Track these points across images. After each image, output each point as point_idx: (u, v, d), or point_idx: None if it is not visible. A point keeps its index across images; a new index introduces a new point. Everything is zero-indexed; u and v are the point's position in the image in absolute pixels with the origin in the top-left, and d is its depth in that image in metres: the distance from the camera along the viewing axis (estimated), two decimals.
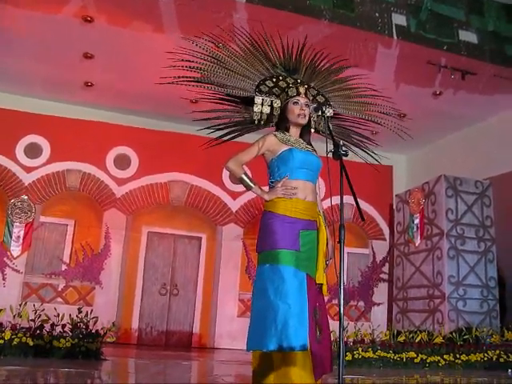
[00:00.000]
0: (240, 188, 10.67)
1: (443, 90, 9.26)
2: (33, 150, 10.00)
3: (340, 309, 2.75)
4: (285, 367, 3.05)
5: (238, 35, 3.53)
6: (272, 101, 3.59)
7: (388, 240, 11.65)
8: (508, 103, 9.66)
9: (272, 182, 3.41)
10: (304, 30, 6.98)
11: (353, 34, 7.70)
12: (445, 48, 8.10)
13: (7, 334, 5.97)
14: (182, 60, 3.48)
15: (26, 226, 9.68)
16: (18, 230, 9.63)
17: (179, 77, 3.52)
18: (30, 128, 9.96)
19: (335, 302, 10.40)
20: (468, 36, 8.20)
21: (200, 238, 10.65)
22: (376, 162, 3.97)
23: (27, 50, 8.46)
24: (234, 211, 10.77)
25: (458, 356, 7.35)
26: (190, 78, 3.53)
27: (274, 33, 3.57)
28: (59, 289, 9.63)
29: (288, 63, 3.59)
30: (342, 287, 2.74)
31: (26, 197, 9.73)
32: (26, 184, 9.85)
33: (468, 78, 8.60)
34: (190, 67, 3.50)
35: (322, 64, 3.67)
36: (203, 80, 3.55)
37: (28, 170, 9.93)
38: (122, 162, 10.42)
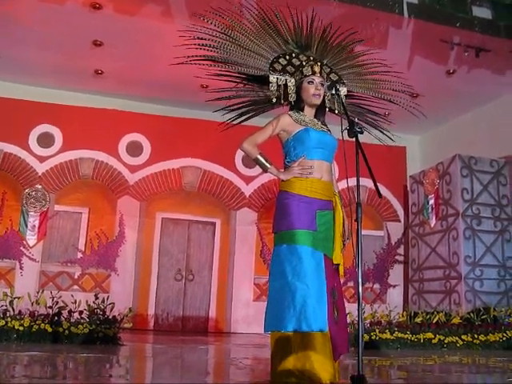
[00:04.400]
0: (253, 172, 10.66)
1: (457, 68, 9.11)
2: (45, 140, 10.03)
3: (358, 288, 2.73)
4: (304, 349, 3.03)
5: (248, 10, 3.48)
6: (286, 79, 3.54)
7: (403, 221, 11.58)
8: None
9: (288, 162, 3.38)
10: (314, 10, 6.89)
11: (363, 14, 7.58)
12: (458, 25, 7.95)
13: (26, 321, 6.04)
14: (194, 38, 3.44)
15: (40, 215, 9.73)
16: (34, 220, 9.68)
17: (192, 56, 3.47)
18: (42, 117, 9.98)
19: (350, 284, 10.40)
20: (482, 12, 8.04)
21: (214, 223, 10.65)
22: (390, 142, 3.91)
23: (37, 40, 8.44)
24: (247, 195, 10.75)
25: (476, 336, 7.32)
26: (204, 56, 3.49)
27: (282, 14, 3.52)
28: (75, 276, 9.70)
29: (299, 39, 3.54)
30: (360, 266, 2.71)
31: (40, 186, 9.77)
32: (40, 173, 9.89)
33: (482, 55, 8.45)
34: (202, 45, 3.45)
35: (333, 39, 3.61)
36: (216, 58, 3.51)
37: (41, 159, 9.96)
38: (134, 149, 10.43)
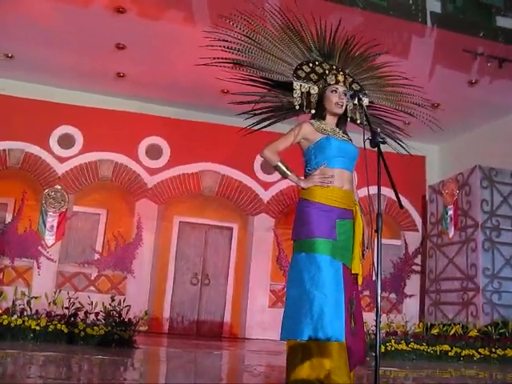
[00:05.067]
0: (271, 178, 10.66)
1: (479, 78, 9.04)
2: (66, 141, 10.12)
3: (377, 299, 2.69)
4: (320, 358, 3.01)
5: (272, 15, 3.48)
6: (310, 87, 3.53)
7: (420, 231, 11.49)
8: None
9: (309, 171, 3.37)
10: (336, 18, 6.88)
11: (386, 22, 7.56)
12: (481, 35, 7.90)
13: (43, 321, 6.09)
14: (219, 39, 3.43)
15: (59, 215, 9.81)
16: (52, 220, 9.77)
17: (217, 58, 3.48)
18: (63, 119, 10.08)
19: (366, 293, 10.33)
20: (506, 22, 7.97)
21: (231, 228, 10.66)
22: (411, 152, 3.89)
23: (60, 42, 8.54)
24: (265, 201, 10.74)
25: (493, 350, 7.22)
26: (228, 59, 3.50)
27: (306, 22, 3.51)
28: (92, 277, 9.76)
29: (322, 47, 3.54)
30: (379, 276, 2.68)
31: (59, 187, 9.86)
32: (60, 174, 9.98)
33: (505, 66, 8.37)
34: (227, 47, 3.45)
35: (355, 49, 3.60)
36: (241, 62, 3.51)
37: (61, 160, 10.05)
38: (153, 152, 10.48)
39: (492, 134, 10.93)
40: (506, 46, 8.03)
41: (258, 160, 10.59)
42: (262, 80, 3.63)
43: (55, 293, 6.66)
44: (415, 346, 6.92)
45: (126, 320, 6.43)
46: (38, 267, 9.48)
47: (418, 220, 11.56)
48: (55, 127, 10.09)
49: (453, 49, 8.16)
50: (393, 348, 6.81)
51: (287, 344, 3.19)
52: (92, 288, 9.63)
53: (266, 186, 10.80)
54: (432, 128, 3.95)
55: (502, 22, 7.98)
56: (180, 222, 10.46)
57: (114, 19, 7.81)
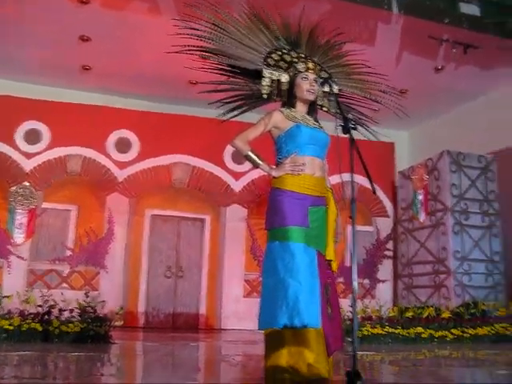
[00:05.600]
0: (242, 168, 10.65)
1: (445, 64, 9.17)
2: (32, 136, 9.94)
3: (353, 284, 2.71)
4: (298, 345, 3.02)
5: (239, 5, 3.45)
6: (280, 75, 3.52)
7: (391, 217, 11.62)
8: (510, 76, 9.58)
9: (280, 159, 3.37)
10: (301, 7, 6.85)
11: (352, 10, 7.59)
12: (446, 21, 8.00)
13: (16, 320, 5.99)
14: (186, 28, 3.39)
15: (28, 212, 9.65)
16: (21, 217, 9.60)
17: (187, 45, 3.44)
18: (28, 114, 9.88)
19: (340, 279, 10.42)
20: (470, 8, 8.08)
21: (203, 220, 10.63)
22: (379, 139, 3.93)
23: (23, 35, 8.37)
24: (237, 192, 10.73)
25: (465, 330, 7.37)
26: (198, 47, 3.46)
27: (272, 11, 3.50)
28: (64, 274, 9.64)
29: (289, 36, 3.53)
30: (355, 262, 2.70)
31: (28, 183, 9.69)
32: (27, 170, 9.80)
33: (470, 52, 8.50)
34: (195, 35, 3.41)
35: (321, 38, 3.60)
36: (210, 49, 3.48)
37: (28, 156, 9.87)
38: (122, 145, 10.36)
39: (459, 119, 11.12)
40: (470, 32, 8.16)
41: (229, 150, 10.55)
42: (231, 69, 3.61)
43: (27, 291, 6.54)
44: (390, 330, 7.02)
45: (102, 315, 6.37)
46: (8, 266, 9.31)
47: (389, 206, 11.69)
48: (20, 123, 9.90)
49: (419, 35, 8.26)
50: (369, 332, 6.89)
51: (265, 333, 3.19)
52: (65, 285, 9.51)
53: (237, 176, 10.78)
54: (399, 115, 3.97)
55: (466, 8, 8.08)
56: (152, 215, 10.39)
57: (78, 10, 7.68)
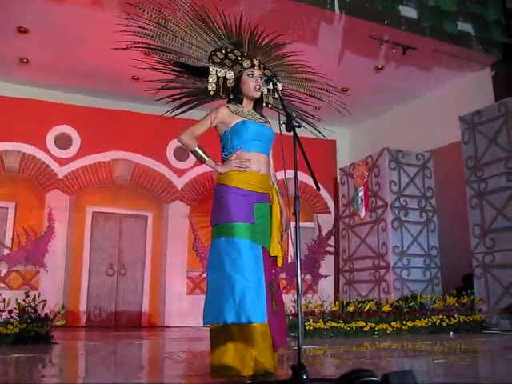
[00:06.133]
0: (185, 165, 10.62)
1: (385, 64, 9.42)
2: None
3: (297, 279, 2.76)
4: (244, 341, 3.07)
5: (181, 4, 3.46)
6: (226, 72, 3.55)
7: (333, 213, 11.85)
8: (446, 78, 9.95)
9: (226, 155, 3.40)
10: (245, 5, 6.89)
11: (294, 9, 7.65)
12: (386, 22, 8.20)
13: None
14: (131, 26, 3.38)
15: None
16: None
17: (130, 42, 3.41)
18: None
19: (282, 275, 10.54)
20: (409, 11, 8.32)
21: (146, 217, 10.52)
22: (321, 137, 4.01)
23: None
24: (179, 188, 10.68)
25: (404, 323, 7.60)
26: (142, 43, 3.44)
27: (213, 9, 3.52)
28: (1, 274, 9.31)
29: (231, 36, 3.56)
30: (299, 257, 2.75)
31: None
32: None
33: (409, 53, 8.75)
34: (139, 33, 3.40)
35: (261, 39, 3.65)
36: (155, 46, 3.47)
37: None
38: (62, 141, 10.11)
39: (399, 118, 11.45)
40: (408, 34, 8.40)
41: (171, 147, 10.49)
42: (176, 67, 3.61)
43: None
44: (332, 324, 7.15)
45: (42, 315, 6.22)
46: None
47: (331, 202, 11.91)
48: None
49: (360, 35, 8.44)
50: (311, 327, 7.01)
51: (210, 329, 3.22)
52: (2, 285, 9.18)
53: (180, 173, 10.73)
54: (341, 112, 4.07)
55: (405, 11, 8.31)
56: (93, 212, 10.19)
57: (15, 1, 7.43)
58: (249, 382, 3.01)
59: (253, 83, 3.41)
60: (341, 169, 11.35)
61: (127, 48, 3.44)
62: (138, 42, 3.43)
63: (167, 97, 3.63)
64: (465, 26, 8.81)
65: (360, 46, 8.77)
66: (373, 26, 8.19)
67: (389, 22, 8.22)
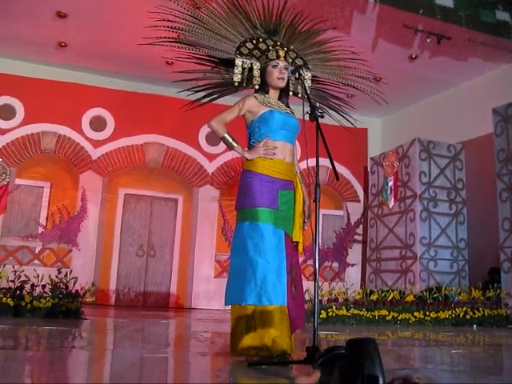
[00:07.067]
0: (216, 150, 10.76)
1: (419, 53, 9.34)
2: (6, 112, 9.85)
3: (315, 265, 2.85)
4: (263, 322, 3.16)
5: None
6: (252, 63, 3.64)
7: (362, 202, 11.85)
8: (481, 68, 9.82)
9: (253, 143, 3.50)
10: None
11: None
12: (421, 12, 8.14)
13: None
14: (163, 20, 3.49)
15: (0, 188, 9.60)
16: None
17: (160, 37, 3.54)
18: (2, 89, 9.78)
19: (310, 262, 10.64)
20: (444, 0, 8.23)
21: (176, 200, 10.71)
22: (351, 126, 4.06)
23: None
24: (210, 173, 10.84)
25: (427, 313, 7.63)
26: (171, 38, 3.55)
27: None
28: (36, 251, 9.65)
29: (268, 24, 3.64)
30: (317, 244, 2.84)
31: (0, 159, 9.63)
32: (0, 146, 9.73)
33: (443, 43, 8.67)
34: (170, 27, 3.52)
35: (301, 25, 3.71)
36: (184, 41, 3.58)
37: (2, 131, 9.80)
38: (97, 123, 10.35)
39: (431, 108, 11.36)
40: (443, 23, 8.31)
41: (203, 132, 10.64)
42: (205, 57, 3.72)
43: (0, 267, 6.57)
44: (355, 312, 7.23)
45: (73, 292, 6.45)
46: None
47: (360, 191, 11.92)
48: None
49: (394, 24, 8.39)
50: (334, 314, 7.10)
51: (231, 310, 3.33)
52: (37, 262, 9.53)
53: (211, 157, 10.88)
54: (377, 101, 4.10)
55: (441, 0, 8.22)
56: (125, 194, 10.43)
57: None
58: (267, 361, 3.12)
59: (276, 74, 3.49)
60: (371, 158, 11.34)
61: (154, 44, 3.56)
62: (167, 38, 3.54)
63: (192, 89, 3.73)
64: (503, 15, 8.65)
65: (394, 35, 8.72)
66: (407, 15, 8.13)
67: (424, 11, 8.15)
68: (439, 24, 8.34)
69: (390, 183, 10.42)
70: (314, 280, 2.82)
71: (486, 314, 7.85)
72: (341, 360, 2.19)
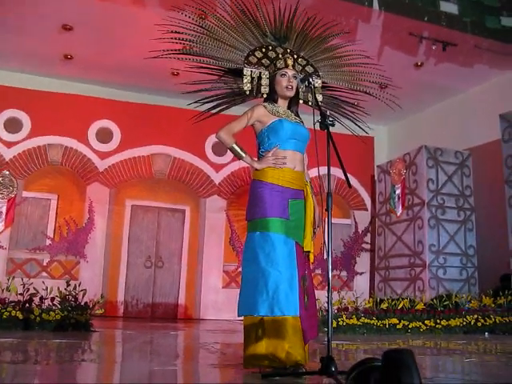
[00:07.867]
0: (223, 160, 10.75)
1: (424, 61, 9.33)
2: (13, 125, 9.88)
3: (328, 275, 2.83)
4: (276, 333, 3.14)
5: (225, 2, 3.54)
6: (260, 72, 3.63)
7: (370, 210, 11.81)
8: (487, 75, 9.80)
9: (262, 152, 3.48)
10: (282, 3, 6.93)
11: (334, 5, 7.67)
12: (426, 19, 8.13)
13: None
14: (170, 32, 3.49)
15: (8, 201, 9.62)
16: (1, 206, 9.57)
17: (167, 50, 3.53)
18: (9, 102, 9.82)
19: (318, 271, 10.59)
20: (449, 7, 8.23)
21: (184, 211, 10.69)
22: (362, 133, 4.04)
23: (5, 23, 8.32)
24: (216, 183, 10.83)
25: (438, 321, 7.57)
26: (178, 50, 3.55)
27: (262, 6, 3.59)
28: (44, 263, 9.64)
29: (278, 31, 3.63)
30: (330, 253, 2.82)
31: (7, 172, 9.65)
32: (7, 159, 9.75)
33: (449, 49, 8.66)
34: (177, 39, 3.51)
35: (313, 31, 3.70)
36: (191, 52, 3.57)
37: (8, 145, 9.82)
38: (103, 135, 10.37)
39: (437, 115, 11.33)
40: (449, 30, 8.30)
41: (209, 142, 10.65)
42: (212, 67, 3.70)
43: (8, 280, 6.55)
44: (365, 321, 7.18)
45: (82, 304, 6.43)
46: None
47: (367, 199, 11.87)
48: (1, 111, 9.83)
49: (399, 32, 8.39)
50: (344, 323, 7.05)
51: (244, 321, 3.31)
52: (44, 274, 9.52)
53: (218, 167, 10.87)
54: (390, 106, 4.09)
55: (445, 6, 8.22)
56: (132, 205, 10.43)
57: None
58: (281, 372, 3.09)
59: (285, 83, 3.48)
60: (378, 166, 11.31)
61: (160, 57, 3.55)
62: (174, 50, 3.53)
63: (199, 101, 3.72)
64: (508, 21, 8.63)
65: (399, 42, 8.72)
66: (412, 23, 8.13)
67: (429, 18, 8.15)
68: (444, 31, 8.33)
69: (398, 191, 10.38)
70: (328, 290, 2.80)
71: (498, 322, 7.78)
72: (376, 372, 2.14)
